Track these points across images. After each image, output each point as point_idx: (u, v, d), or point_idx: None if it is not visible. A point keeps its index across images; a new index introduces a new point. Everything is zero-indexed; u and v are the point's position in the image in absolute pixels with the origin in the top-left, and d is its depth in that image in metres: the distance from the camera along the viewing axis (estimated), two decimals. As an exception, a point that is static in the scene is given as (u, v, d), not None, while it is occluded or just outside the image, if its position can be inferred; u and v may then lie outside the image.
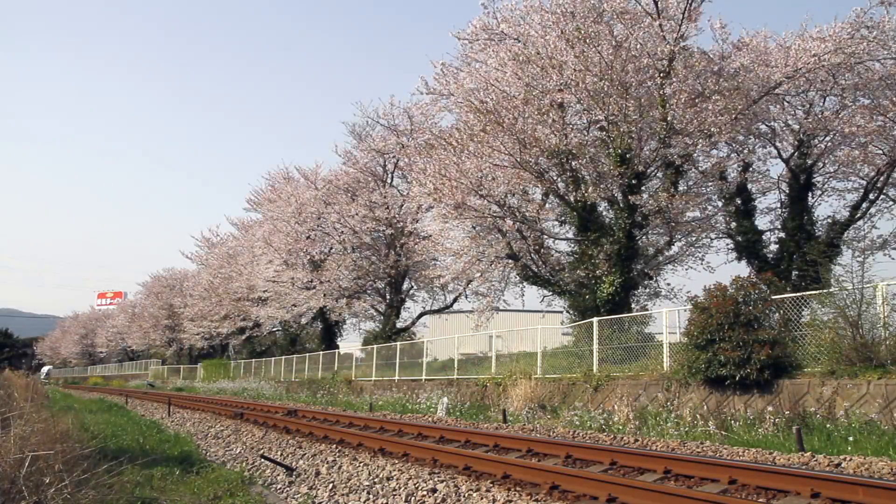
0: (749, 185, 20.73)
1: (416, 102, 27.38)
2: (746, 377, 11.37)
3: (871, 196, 19.46)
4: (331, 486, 7.81)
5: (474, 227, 21.07)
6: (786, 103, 19.21)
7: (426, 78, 21.07)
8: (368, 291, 32.82)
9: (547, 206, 20.39)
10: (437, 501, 6.76)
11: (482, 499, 6.68)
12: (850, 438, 9.19)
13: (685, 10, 15.91)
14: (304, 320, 37.03)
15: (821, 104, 19.21)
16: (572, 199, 18.49)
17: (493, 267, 21.42)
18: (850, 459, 8.07)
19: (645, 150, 17.80)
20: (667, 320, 14.49)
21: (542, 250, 20.83)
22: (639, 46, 16.56)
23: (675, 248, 20.68)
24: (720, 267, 63.95)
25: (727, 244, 21.58)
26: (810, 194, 20.15)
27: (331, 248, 33.40)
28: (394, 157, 30.84)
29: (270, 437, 12.98)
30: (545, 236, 20.73)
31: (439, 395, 18.80)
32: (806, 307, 12.31)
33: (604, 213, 19.87)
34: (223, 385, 38.20)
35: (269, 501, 7.52)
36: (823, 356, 11.17)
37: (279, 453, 10.71)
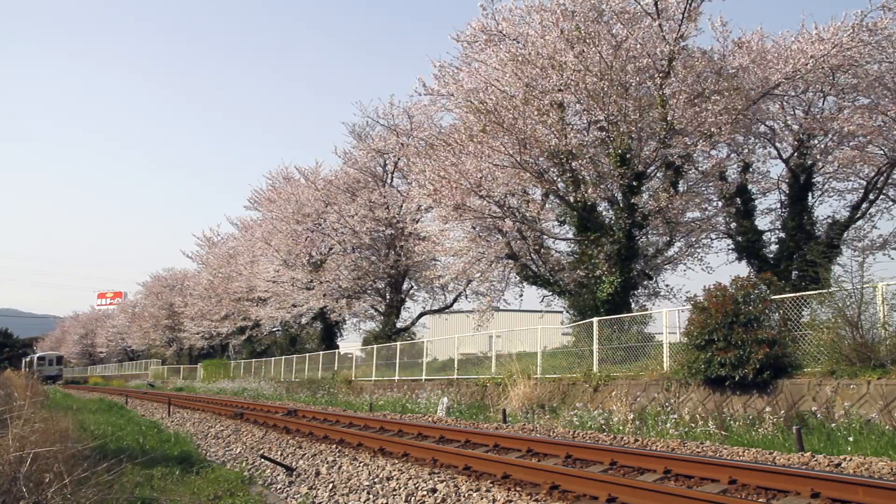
0: (749, 186, 20.72)
1: (416, 102, 27.37)
2: (745, 377, 11.37)
3: (871, 196, 19.46)
4: (331, 485, 7.82)
5: (474, 228, 21.06)
6: (785, 103, 19.22)
7: (424, 79, 21.03)
8: (368, 291, 32.80)
9: (547, 206, 20.38)
10: (437, 501, 6.76)
11: (482, 499, 6.68)
12: (850, 438, 9.20)
13: (685, 9, 15.91)
14: (304, 320, 37.04)
15: (820, 104, 19.22)
16: (572, 199, 18.47)
17: (492, 267, 21.43)
18: (850, 459, 8.07)
19: (645, 150, 17.80)
20: (667, 320, 14.49)
21: (542, 250, 20.83)
22: (639, 46, 16.55)
23: (674, 249, 20.67)
24: (720, 267, 64.01)
25: (727, 244, 21.58)
26: (810, 194, 20.14)
27: (331, 249, 33.37)
28: (394, 157, 30.83)
29: (270, 437, 12.98)
30: (545, 236, 20.72)
31: (439, 395, 18.80)
32: (806, 307, 12.30)
33: (604, 213, 19.86)
34: (223, 385, 38.19)
35: (269, 501, 7.52)
36: (823, 356, 11.16)
37: (279, 453, 10.71)
